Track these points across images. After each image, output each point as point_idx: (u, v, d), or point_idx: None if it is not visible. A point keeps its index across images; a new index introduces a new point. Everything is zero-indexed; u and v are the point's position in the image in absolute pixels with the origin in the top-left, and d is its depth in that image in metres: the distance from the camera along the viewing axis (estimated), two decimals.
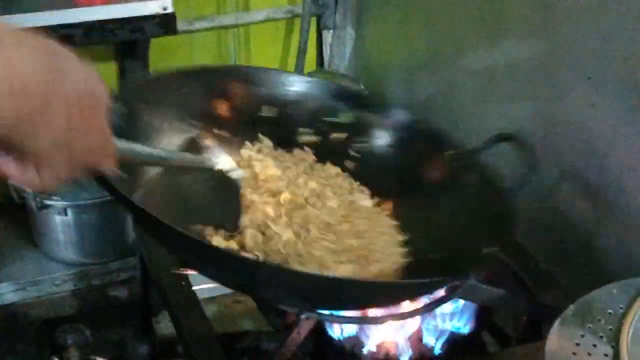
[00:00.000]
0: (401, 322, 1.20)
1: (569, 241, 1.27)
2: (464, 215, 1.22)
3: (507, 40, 1.50)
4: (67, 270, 1.86)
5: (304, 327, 1.15)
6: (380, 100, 1.40)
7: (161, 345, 1.30)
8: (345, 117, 1.38)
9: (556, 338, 0.95)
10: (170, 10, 1.62)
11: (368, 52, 2.08)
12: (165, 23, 1.63)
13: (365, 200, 1.30)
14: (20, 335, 1.83)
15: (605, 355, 0.94)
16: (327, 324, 1.21)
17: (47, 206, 1.80)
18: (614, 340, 0.95)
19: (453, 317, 1.25)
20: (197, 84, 1.31)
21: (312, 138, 1.36)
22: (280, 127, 1.36)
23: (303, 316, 1.13)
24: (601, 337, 0.95)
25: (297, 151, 1.34)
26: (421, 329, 1.24)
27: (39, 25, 1.54)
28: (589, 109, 1.29)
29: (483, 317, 1.27)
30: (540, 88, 1.41)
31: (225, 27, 2.11)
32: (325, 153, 1.35)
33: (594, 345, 0.94)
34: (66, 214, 1.81)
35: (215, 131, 1.30)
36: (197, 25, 2.04)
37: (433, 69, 1.76)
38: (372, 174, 1.34)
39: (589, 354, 0.94)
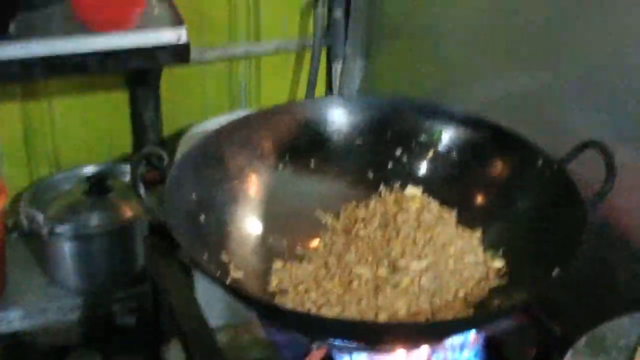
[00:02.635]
0: (411, 353, 1.20)
1: (581, 270, 1.26)
2: (542, 230, 1.23)
3: (517, 72, 1.51)
4: (75, 298, 1.86)
5: (315, 357, 1.15)
6: (464, 113, 1.39)
7: None
8: (436, 134, 1.39)
9: None
10: (184, 39, 1.63)
11: (377, 83, 2.09)
12: (179, 52, 1.64)
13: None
14: None
15: None
16: (337, 356, 1.21)
17: (57, 234, 1.80)
18: None
19: (462, 348, 1.25)
20: (282, 119, 1.38)
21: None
22: (376, 151, 1.40)
23: (314, 345, 1.14)
24: None
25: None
26: None
27: (54, 53, 1.56)
28: None
29: (492, 348, 1.27)
30: (549, 118, 1.42)
31: (237, 58, 2.12)
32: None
33: None
34: (76, 242, 1.81)
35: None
36: (209, 55, 2.06)
37: (443, 100, 1.76)
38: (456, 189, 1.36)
39: None
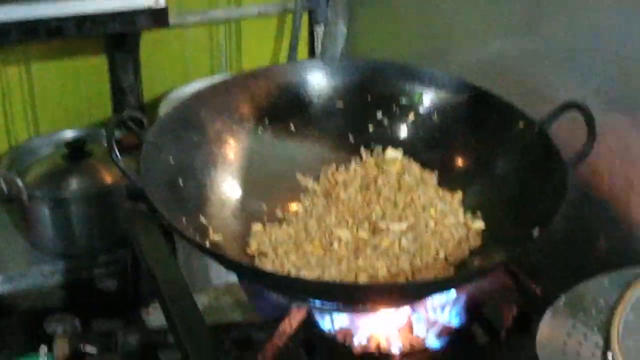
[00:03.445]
0: (392, 313, 1.20)
1: (560, 232, 1.27)
2: (522, 191, 1.23)
3: (500, 36, 1.50)
4: (56, 262, 1.85)
5: (295, 317, 1.15)
6: (445, 76, 1.39)
7: (152, 336, 1.30)
8: (417, 97, 1.38)
9: (547, 328, 0.96)
10: (162, 3, 1.61)
11: (360, 48, 2.08)
12: (157, 16, 1.63)
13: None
14: (9, 327, 1.82)
15: (596, 345, 0.95)
16: (318, 316, 1.21)
17: (37, 198, 1.79)
18: (605, 331, 0.96)
19: (443, 308, 1.26)
20: (262, 83, 1.37)
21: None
22: (356, 114, 1.39)
23: (294, 306, 1.14)
24: (592, 327, 0.96)
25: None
26: (411, 321, 1.24)
27: (31, 17, 1.54)
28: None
29: (473, 309, 1.28)
30: (531, 82, 1.42)
31: (217, 22, 2.10)
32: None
33: (585, 336, 0.95)
34: (55, 206, 1.80)
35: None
36: (189, 19, 2.04)
37: (426, 65, 1.75)
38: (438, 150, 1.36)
39: (580, 344, 0.95)
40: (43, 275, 1.84)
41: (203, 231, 1.22)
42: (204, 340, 1.12)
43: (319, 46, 2.15)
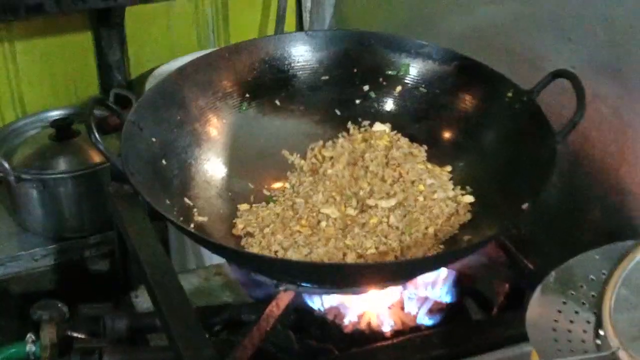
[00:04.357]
0: (382, 291, 1.18)
1: (552, 205, 1.24)
2: (511, 163, 1.21)
3: (488, 2, 1.47)
4: (46, 244, 1.83)
5: (283, 299, 1.13)
6: (432, 46, 1.36)
7: (140, 320, 1.28)
8: (404, 68, 1.35)
9: (537, 306, 0.94)
10: None
11: (348, 17, 2.04)
12: None
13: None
14: (1, 311, 1.81)
15: (588, 322, 0.93)
16: (306, 296, 1.19)
17: (24, 179, 1.76)
18: (596, 307, 0.93)
19: (435, 285, 1.24)
20: (245, 57, 1.34)
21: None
22: (343, 88, 1.37)
23: (281, 288, 1.12)
24: (583, 303, 0.94)
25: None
26: (403, 298, 1.22)
27: None
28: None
29: (465, 284, 1.26)
30: (521, 50, 1.39)
31: None
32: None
33: (576, 312, 0.93)
34: (43, 187, 1.78)
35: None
36: None
37: (414, 33, 1.72)
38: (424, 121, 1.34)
39: (571, 322, 0.92)
40: (33, 258, 1.82)
41: (188, 212, 1.20)
42: (190, 323, 1.10)
43: (307, 17, 2.11)
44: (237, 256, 1.13)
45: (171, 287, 1.17)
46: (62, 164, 1.80)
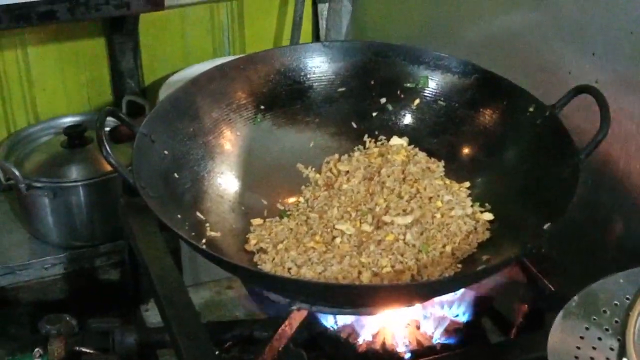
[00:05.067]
0: (398, 310, 1.15)
1: (574, 224, 1.21)
2: (532, 180, 1.17)
3: (509, 13, 1.44)
4: (57, 253, 1.82)
5: (296, 318, 1.10)
6: (452, 58, 1.32)
7: (149, 335, 1.26)
8: (422, 81, 1.32)
9: (559, 332, 0.91)
10: None
11: (365, 25, 2.02)
12: None
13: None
14: (11, 319, 1.79)
15: (611, 349, 0.90)
16: (320, 316, 1.16)
17: (35, 188, 1.75)
18: (620, 333, 0.91)
19: (452, 304, 1.21)
20: (260, 68, 1.31)
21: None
22: (359, 100, 1.34)
23: (294, 307, 1.09)
24: (606, 329, 0.91)
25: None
26: (419, 318, 1.19)
27: (20, 1, 1.49)
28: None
29: (483, 304, 1.23)
30: (542, 63, 1.36)
31: (218, 1, 2.04)
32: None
33: (599, 339, 0.90)
34: (54, 196, 1.76)
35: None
36: None
37: (432, 42, 1.70)
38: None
39: (594, 348, 0.90)
40: (44, 267, 1.80)
41: (200, 227, 1.17)
42: (200, 340, 1.08)
43: (323, 25, 2.09)
44: (249, 275, 1.10)
45: (181, 302, 1.15)
46: (73, 172, 1.79)
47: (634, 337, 0.90)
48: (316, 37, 2.15)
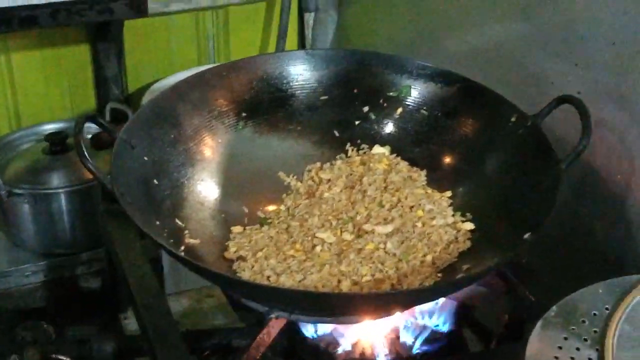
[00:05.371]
0: (378, 320, 1.14)
1: (555, 234, 1.21)
2: (514, 190, 1.17)
3: (493, 24, 1.44)
4: (37, 261, 1.79)
5: (274, 326, 1.09)
6: (435, 68, 1.32)
7: (127, 343, 1.25)
8: (405, 90, 1.32)
9: (537, 341, 0.91)
10: None
11: (351, 35, 2.02)
12: (135, 5, 1.56)
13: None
14: None
15: (589, 359, 0.89)
16: (300, 325, 1.15)
17: (16, 194, 1.73)
18: (599, 344, 0.90)
19: (432, 314, 1.20)
20: (242, 76, 1.31)
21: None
22: (342, 108, 1.34)
23: (273, 315, 1.09)
24: (585, 340, 0.91)
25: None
26: (398, 326, 1.19)
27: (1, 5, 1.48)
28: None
29: (463, 314, 1.22)
30: (525, 73, 1.36)
31: (203, 9, 2.04)
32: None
33: (577, 349, 0.90)
34: (35, 203, 1.74)
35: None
36: (173, 6, 1.97)
37: (417, 52, 1.69)
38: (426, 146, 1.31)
39: (572, 359, 0.89)
40: (24, 274, 1.78)
41: (178, 234, 1.16)
42: (176, 349, 1.07)
43: (309, 34, 2.08)
44: (228, 282, 1.09)
45: (158, 310, 1.14)
46: (55, 179, 1.77)
47: (613, 347, 0.89)
48: (302, 46, 2.14)
